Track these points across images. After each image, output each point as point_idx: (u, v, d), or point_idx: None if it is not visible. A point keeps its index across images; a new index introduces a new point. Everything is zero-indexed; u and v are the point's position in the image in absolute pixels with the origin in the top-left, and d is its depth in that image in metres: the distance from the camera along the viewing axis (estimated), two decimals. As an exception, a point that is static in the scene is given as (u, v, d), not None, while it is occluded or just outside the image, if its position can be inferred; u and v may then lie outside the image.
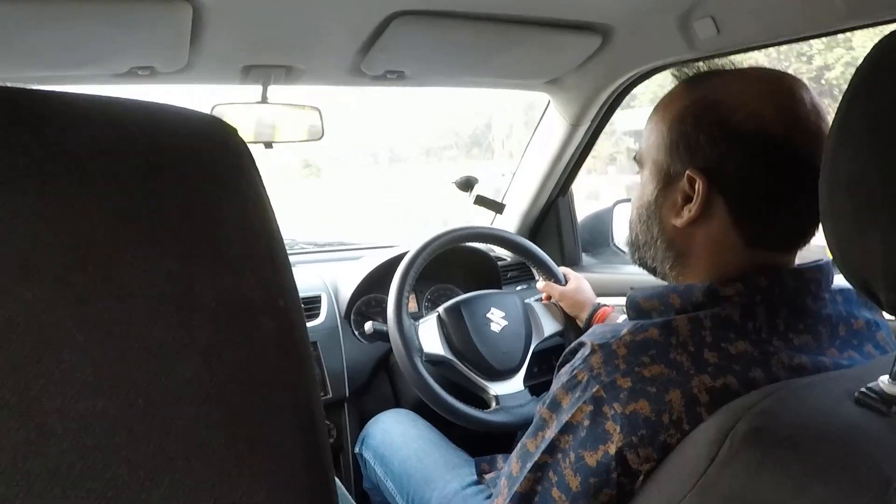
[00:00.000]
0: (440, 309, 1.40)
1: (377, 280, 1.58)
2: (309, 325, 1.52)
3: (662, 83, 1.38)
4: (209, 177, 0.30)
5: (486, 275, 1.76)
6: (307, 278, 1.64)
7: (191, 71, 1.19)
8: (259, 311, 0.30)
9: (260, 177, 0.33)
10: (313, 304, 1.57)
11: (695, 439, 0.53)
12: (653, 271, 0.78)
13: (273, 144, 1.35)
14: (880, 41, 0.47)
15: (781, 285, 0.65)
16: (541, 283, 1.54)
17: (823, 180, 0.50)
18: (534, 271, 1.58)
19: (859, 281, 0.48)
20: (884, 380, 0.50)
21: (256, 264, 0.30)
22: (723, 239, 0.68)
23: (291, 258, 1.83)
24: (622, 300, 1.52)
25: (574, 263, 1.92)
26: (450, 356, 1.35)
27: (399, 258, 1.42)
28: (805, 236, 0.69)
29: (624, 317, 1.08)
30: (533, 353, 1.43)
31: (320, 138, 1.41)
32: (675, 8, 1.15)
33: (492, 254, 1.80)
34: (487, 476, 1.18)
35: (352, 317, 1.60)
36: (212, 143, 0.31)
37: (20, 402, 0.24)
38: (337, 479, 0.97)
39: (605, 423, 0.60)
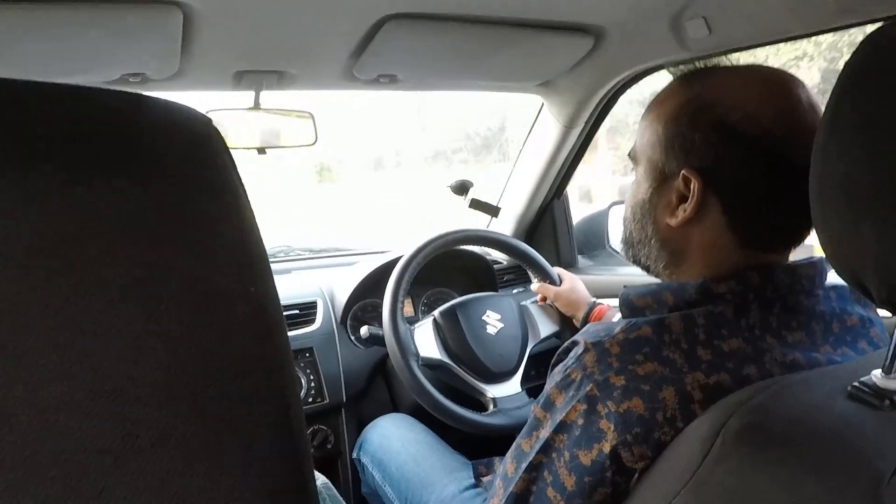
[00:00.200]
0: (436, 312, 1.40)
1: (373, 285, 1.58)
2: (305, 331, 1.52)
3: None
4: (181, 166, 0.30)
5: (482, 278, 1.76)
6: (303, 284, 1.64)
7: (182, 77, 1.19)
8: (231, 298, 0.29)
9: (235, 167, 0.32)
10: (309, 309, 1.57)
11: (688, 436, 0.53)
12: (646, 269, 0.78)
13: (266, 150, 1.35)
14: (868, 37, 0.47)
15: (774, 282, 0.65)
16: (535, 285, 1.54)
17: (814, 177, 0.50)
18: (529, 274, 1.58)
19: (852, 276, 0.48)
20: (876, 374, 0.50)
21: (227, 251, 0.30)
22: (717, 239, 0.68)
23: (287, 265, 1.84)
24: (617, 302, 1.52)
25: (570, 265, 1.92)
26: (446, 360, 1.34)
27: (394, 263, 1.42)
28: (800, 236, 0.69)
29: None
30: (529, 355, 1.43)
31: (313, 144, 1.41)
32: (667, 9, 1.15)
33: (488, 257, 1.80)
34: (485, 479, 1.17)
35: (348, 322, 1.60)
36: (187, 132, 0.31)
37: None
38: (333, 486, 0.97)
39: (600, 421, 0.60)
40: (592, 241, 2.00)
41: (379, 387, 1.62)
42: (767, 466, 0.45)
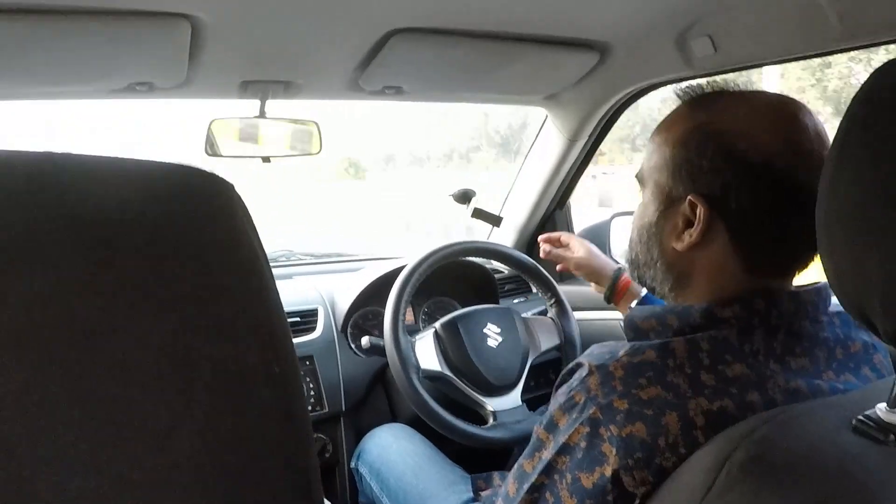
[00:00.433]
0: (437, 325, 1.40)
1: (374, 293, 1.58)
2: (305, 338, 1.52)
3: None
4: (204, 241, 0.30)
5: (484, 288, 1.76)
6: (304, 291, 1.63)
7: (189, 86, 1.20)
8: (256, 378, 0.29)
9: (256, 232, 0.32)
10: (310, 317, 1.56)
11: (692, 466, 0.53)
12: (651, 290, 0.78)
13: (270, 159, 1.35)
14: (877, 70, 0.47)
15: (779, 308, 0.65)
16: (548, 248, 1.34)
17: (820, 207, 0.50)
18: (531, 286, 1.58)
19: (857, 310, 0.48)
20: (881, 407, 0.50)
21: (253, 330, 0.30)
22: (722, 264, 0.68)
23: (288, 270, 1.84)
24: (620, 314, 1.51)
25: (571, 276, 1.92)
26: (447, 372, 1.34)
27: (396, 272, 1.42)
28: (805, 263, 0.69)
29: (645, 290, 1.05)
30: (530, 367, 1.43)
31: (318, 152, 1.41)
32: (673, 26, 1.16)
33: (489, 266, 1.80)
34: (484, 493, 1.17)
35: (348, 330, 1.60)
36: (205, 202, 0.31)
37: (14, 484, 0.24)
38: (330, 495, 0.97)
39: (602, 444, 0.60)
40: (594, 252, 2.00)
41: (378, 396, 1.62)
42: (772, 499, 0.45)
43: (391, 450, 1.36)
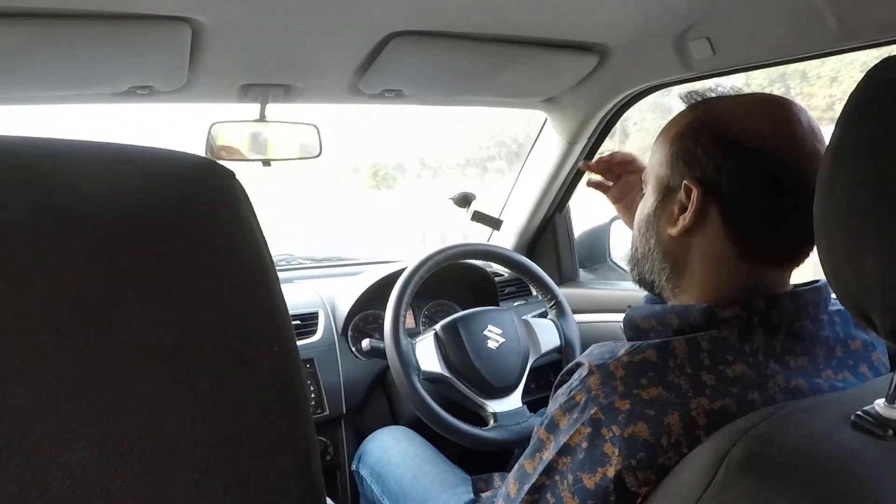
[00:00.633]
0: (437, 327, 1.40)
1: (374, 296, 1.58)
2: (306, 341, 1.52)
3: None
4: (208, 226, 0.31)
5: (483, 290, 1.77)
6: (304, 294, 1.64)
7: (189, 90, 1.20)
8: (257, 356, 0.30)
9: (257, 220, 0.33)
10: (310, 320, 1.57)
11: (691, 462, 0.53)
12: (651, 285, 0.79)
13: (271, 163, 1.35)
14: (873, 67, 0.47)
15: (780, 308, 0.66)
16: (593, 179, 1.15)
17: (818, 204, 0.50)
18: (531, 288, 1.58)
19: (855, 306, 0.48)
20: (879, 403, 0.50)
21: (255, 311, 0.31)
22: (716, 251, 0.69)
23: (289, 273, 1.84)
24: (619, 316, 1.51)
25: (571, 279, 1.93)
26: (447, 374, 1.34)
27: (396, 275, 1.42)
28: (798, 255, 0.70)
29: None
30: (530, 369, 1.43)
31: (318, 155, 1.42)
32: (672, 29, 1.16)
33: (489, 269, 1.80)
34: (484, 495, 1.17)
35: (349, 333, 1.60)
36: (209, 189, 0.32)
37: (16, 453, 0.24)
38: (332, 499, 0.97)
39: (604, 445, 0.60)
40: (594, 254, 2.01)
41: (378, 399, 1.62)
42: (771, 495, 0.45)
43: (392, 452, 1.36)
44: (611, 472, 0.59)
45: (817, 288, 0.69)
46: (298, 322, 1.55)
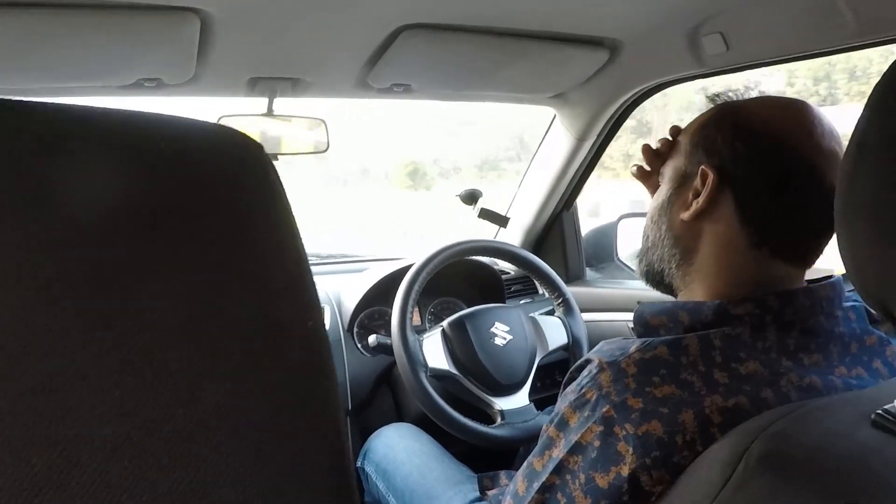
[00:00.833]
0: (444, 323, 1.39)
1: (381, 293, 1.57)
2: None
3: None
4: (237, 195, 0.30)
5: (490, 288, 1.76)
6: None
7: (197, 83, 1.20)
8: (289, 333, 0.29)
9: (284, 190, 0.32)
10: None
11: (708, 460, 0.52)
12: (660, 275, 0.78)
13: (278, 157, 1.35)
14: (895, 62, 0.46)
15: (794, 306, 0.65)
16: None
17: (839, 200, 0.49)
18: (537, 285, 1.57)
19: (878, 302, 0.47)
20: None
21: (286, 284, 0.30)
22: (728, 237, 0.69)
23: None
24: (627, 315, 1.50)
25: (578, 278, 1.91)
26: (454, 371, 1.34)
27: (403, 271, 1.41)
28: (813, 251, 0.69)
29: None
30: (537, 367, 1.42)
31: (326, 150, 1.41)
32: (685, 23, 1.15)
33: (495, 267, 1.79)
34: (490, 492, 1.16)
35: (354, 329, 1.60)
36: (238, 158, 0.31)
37: (43, 430, 0.23)
38: None
39: (618, 444, 0.59)
40: (601, 253, 2.00)
41: (384, 396, 1.61)
42: (790, 493, 0.44)
43: (397, 449, 1.36)
44: (625, 471, 0.58)
45: (832, 283, 0.68)
46: None
